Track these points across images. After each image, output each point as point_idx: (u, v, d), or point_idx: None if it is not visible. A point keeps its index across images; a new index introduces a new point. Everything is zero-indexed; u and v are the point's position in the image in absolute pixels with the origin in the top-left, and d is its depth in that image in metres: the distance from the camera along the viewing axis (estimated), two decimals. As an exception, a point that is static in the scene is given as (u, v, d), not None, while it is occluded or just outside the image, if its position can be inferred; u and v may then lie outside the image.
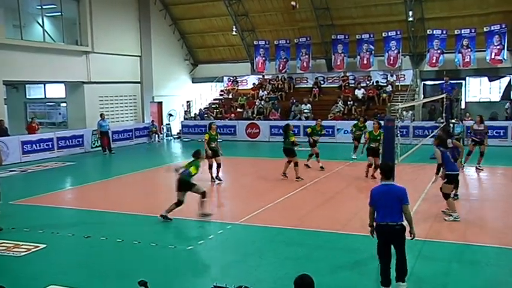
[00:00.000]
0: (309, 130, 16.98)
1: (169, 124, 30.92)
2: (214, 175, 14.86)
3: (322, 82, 29.92)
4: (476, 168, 15.96)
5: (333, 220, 10.44)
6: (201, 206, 10.59)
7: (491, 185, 14.69)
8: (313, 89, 29.10)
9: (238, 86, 32.31)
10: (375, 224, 6.62)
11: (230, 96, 31.55)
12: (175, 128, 30.92)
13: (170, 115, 31.09)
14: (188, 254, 8.55)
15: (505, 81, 28.11)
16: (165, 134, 30.20)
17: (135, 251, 8.76)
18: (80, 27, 25.27)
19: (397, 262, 6.58)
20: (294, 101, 27.99)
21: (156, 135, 28.56)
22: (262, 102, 28.99)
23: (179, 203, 10.46)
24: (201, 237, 9.38)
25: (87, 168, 19.99)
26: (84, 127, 24.49)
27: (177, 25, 32.97)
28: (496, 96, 29.10)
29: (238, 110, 29.50)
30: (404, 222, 6.51)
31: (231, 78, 32.57)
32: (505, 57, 25.73)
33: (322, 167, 16.30)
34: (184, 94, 33.13)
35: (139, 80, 29.44)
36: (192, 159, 10.85)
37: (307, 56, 29.99)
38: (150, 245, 8.94)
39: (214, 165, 14.84)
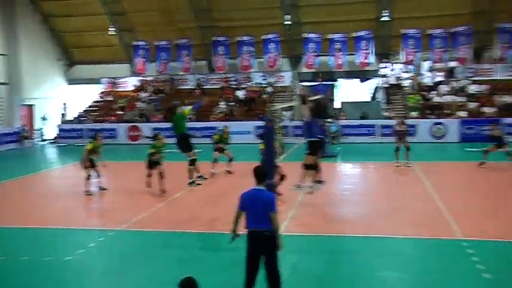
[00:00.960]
0: (216, 137, 16.52)
1: (42, 128, 28.90)
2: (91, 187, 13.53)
3: (204, 83, 29.98)
4: (406, 164, 16.26)
5: (215, 221, 10.46)
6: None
7: (363, 180, 15.75)
8: (196, 90, 29.05)
9: (117, 88, 31.17)
10: (245, 230, 6.15)
11: (110, 99, 30.33)
12: (51, 132, 28.98)
13: (43, 118, 29.07)
14: (66, 265, 8.01)
15: (373, 82, 30.44)
16: (38, 139, 28.16)
17: (2, 269, 7.99)
18: None
19: (268, 276, 6.07)
20: (176, 102, 27.55)
21: (27, 140, 26.51)
22: (144, 104, 28.28)
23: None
24: (81, 246, 8.84)
25: None
26: None
27: (49, 22, 30.94)
28: (366, 97, 31.42)
29: (119, 112, 28.46)
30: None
31: (110, 79, 31.32)
32: (372, 61, 27.90)
33: (229, 171, 16.11)
34: (59, 96, 31.18)
35: (5, 81, 27.10)
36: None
37: (188, 58, 29.89)
38: (20, 260, 8.21)
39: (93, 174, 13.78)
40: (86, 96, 32.00)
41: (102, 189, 13.84)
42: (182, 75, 30.50)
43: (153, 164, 13.09)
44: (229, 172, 16.11)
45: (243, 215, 6.17)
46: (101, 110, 29.33)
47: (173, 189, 13.38)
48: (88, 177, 13.46)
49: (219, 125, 25.30)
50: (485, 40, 27.31)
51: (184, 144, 13.00)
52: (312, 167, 10.83)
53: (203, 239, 9.36)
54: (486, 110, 23.70)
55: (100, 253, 8.73)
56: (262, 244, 6.02)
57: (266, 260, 6.05)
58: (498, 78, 26.72)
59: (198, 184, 13.09)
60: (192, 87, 29.73)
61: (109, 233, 9.69)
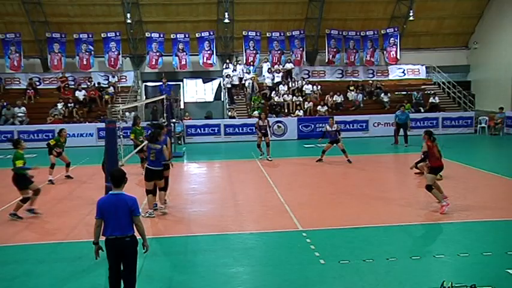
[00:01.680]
0: (51, 142, 15.13)
1: None
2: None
3: (37, 83, 27.69)
4: (348, 161, 16.61)
5: (55, 230, 9.71)
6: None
7: (209, 178, 15.95)
8: (28, 91, 26.66)
9: None
10: (103, 238, 5.89)
11: None
12: None
13: None
14: None
15: (216, 83, 31.08)
16: None
17: None
18: None
19: (125, 281, 5.93)
20: (5, 104, 25.10)
21: None
22: (-35, 105, 25.14)
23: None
24: None
25: None
26: None
27: None
28: (210, 97, 31.95)
29: None
30: (137, 234, 5.99)
31: None
32: (215, 62, 28.48)
33: (68, 176, 15.16)
34: None
35: None
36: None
37: (18, 54, 27.34)
38: None
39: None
40: None
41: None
42: (11, 73, 27.74)
43: None
44: (68, 177, 15.11)
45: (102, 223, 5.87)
46: None
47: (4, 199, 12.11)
48: None
49: (56, 127, 23.72)
50: (316, 44, 29.65)
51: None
52: (152, 192, 10.57)
53: (40, 251, 8.58)
54: (320, 108, 25.73)
55: None
56: (123, 251, 5.85)
57: (124, 266, 5.89)
58: (328, 79, 29.34)
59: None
60: (24, 87, 27.23)
61: None
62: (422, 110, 26.29)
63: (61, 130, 15.31)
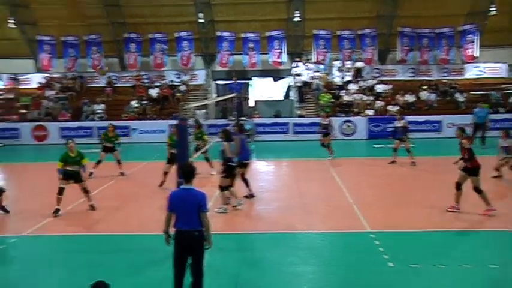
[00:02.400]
0: (102, 136, 15.90)
1: None
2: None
3: (115, 81, 29.01)
4: (412, 163, 16.06)
5: (128, 222, 10.16)
6: None
7: (277, 177, 16.02)
8: (106, 89, 28.03)
9: (20, 85, 29.26)
10: (172, 230, 6.10)
11: (11, 96, 28.36)
12: None
13: None
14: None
15: (286, 81, 31.14)
16: None
17: None
18: None
19: (193, 275, 6.07)
20: (86, 101, 26.54)
21: None
22: (50, 102, 26.81)
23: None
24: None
25: None
26: None
27: None
28: (280, 95, 32.07)
29: (22, 111, 26.71)
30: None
31: (11, 76, 29.31)
32: (285, 60, 28.51)
33: (122, 173, 15.36)
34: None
35: None
36: None
37: (98, 54, 28.77)
38: None
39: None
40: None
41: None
42: (92, 72, 29.28)
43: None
44: (122, 174, 15.33)
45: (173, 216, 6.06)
46: (2, 108, 27.34)
47: (80, 192, 12.80)
48: None
49: (131, 124, 24.82)
50: (388, 42, 28.90)
51: None
52: (226, 188, 10.82)
53: (115, 242, 9.02)
54: (390, 108, 25.08)
55: (1, 262, 8.13)
56: (191, 245, 5.96)
57: (193, 260, 6.01)
58: (400, 78, 28.51)
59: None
60: (103, 85, 28.64)
61: (11, 239, 9.06)
62: (502, 111, 24.91)
63: (109, 125, 15.86)
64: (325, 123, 17.75)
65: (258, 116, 26.32)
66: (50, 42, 28.84)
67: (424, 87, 26.94)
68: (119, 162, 15.41)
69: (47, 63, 28.97)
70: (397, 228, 9.34)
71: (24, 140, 24.81)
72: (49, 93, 27.57)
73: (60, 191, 10.75)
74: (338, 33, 28.29)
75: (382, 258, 7.74)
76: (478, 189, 9.99)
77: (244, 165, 11.52)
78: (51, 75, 29.02)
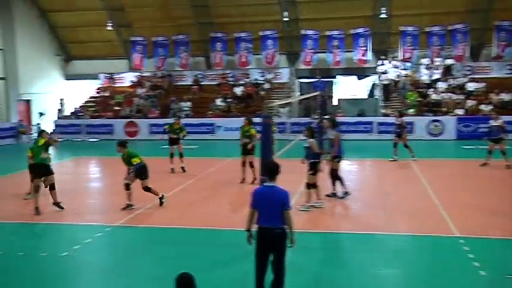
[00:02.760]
0: (166, 127, 16.18)
1: (39, 124, 28.81)
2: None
3: (201, 80, 29.93)
4: (507, 166, 15.32)
5: (212, 217, 10.47)
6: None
7: (360, 176, 15.77)
8: (193, 87, 29.02)
9: (115, 84, 31.12)
10: (255, 227, 6.10)
11: (107, 94, 30.25)
12: (48, 128, 28.89)
13: (41, 114, 29.00)
14: (62, 261, 7.99)
15: (370, 79, 30.43)
16: (35, 135, 28.08)
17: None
18: None
19: (275, 273, 6.06)
20: (174, 98, 27.65)
21: (25, 136, 26.45)
22: (141, 100, 28.24)
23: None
24: (77, 242, 8.82)
25: None
26: None
27: (46, 17, 30.83)
28: (364, 94, 31.41)
29: (116, 108, 28.40)
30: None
31: (108, 75, 31.25)
32: (370, 58, 27.89)
33: (183, 168, 15.56)
34: (57, 91, 31.11)
35: (2, 76, 27.01)
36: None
37: (186, 54, 29.85)
38: (16, 255, 8.21)
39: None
40: (83, 91, 31.93)
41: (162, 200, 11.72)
42: (180, 71, 30.43)
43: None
44: (183, 169, 15.51)
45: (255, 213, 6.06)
46: (98, 106, 29.25)
47: (167, 186, 13.39)
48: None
49: (216, 121, 25.50)
50: (482, 38, 27.33)
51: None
52: (313, 186, 10.79)
53: (202, 235, 9.34)
54: (483, 107, 23.73)
55: (96, 249, 8.72)
56: (273, 242, 5.95)
57: (275, 258, 6.00)
58: (495, 76, 26.79)
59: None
60: (190, 84, 29.68)
61: (106, 228, 9.68)
62: None
63: (175, 119, 16.37)
64: (398, 123, 17.16)
65: (341, 114, 25.97)
66: (142, 42, 30.37)
67: (523, 85, 25.15)
68: (181, 155, 15.61)
69: (138, 63, 30.54)
70: (489, 235, 8.82)
71: (118, 136, 26.28)
72: (140, 91, 29.05)
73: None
74: (427, 29, 27.19)
75: (472, 265, 7.35)
76: None
77: (339, 159, 11.56)
78: (142, 74, 30.56)
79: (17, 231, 9.55)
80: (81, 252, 8.42)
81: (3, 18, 26.94)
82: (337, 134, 11.50)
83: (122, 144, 11.29)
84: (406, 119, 21.00)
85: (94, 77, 31.62)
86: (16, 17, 27.77)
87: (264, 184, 6.21)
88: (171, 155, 15.61)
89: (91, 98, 30.91)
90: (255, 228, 6.07)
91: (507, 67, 26.83)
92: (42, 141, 11.26)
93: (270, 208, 5.92)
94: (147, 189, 11.10)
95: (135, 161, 10.98)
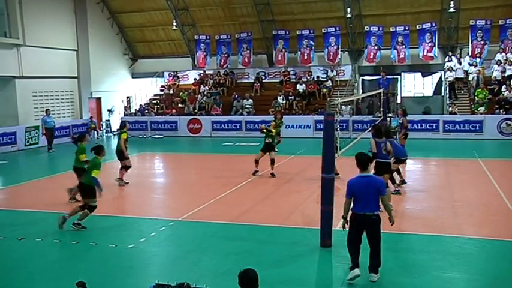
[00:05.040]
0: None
1: (108, 120, 30.09)
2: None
3: (263, 77, 30.08)
4: None
5: (274, 214, 10.52)
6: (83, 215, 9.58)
7: (425, 176, 15.29)
8: (255, 84, 29.23)
9: (179, 82, 31.92)
10: (350, 214, 6.76)
11: (171, 92, 31.10)
12: (115, 124, 30.13)
13: (110, 111, 30.27)
14: (130, 252, 8.34)
15: (436, 76, 29.41)
16: (104, 131, 29.38)
17: (74, 251, 8.47)
18: (9, 18, 23.98)
19: (372, 253, 6.76)
20: (236, 96, 27.97)
21: (95, 132, 27.72)
22: (204, 97, 28.80)
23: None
24: (143, 235, 9.17)
25: (20, 167, 19.10)
26: (17, 124, 23.38)
27: (115, 18, 32.08)
28: (429, 91, 30.41)
29: (180, 105, 29.13)
30: (380, 213, 6.75)
31: (172, 73, 32.12)
32: (436, 54, 26.93)
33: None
34: (124, 89, 32.34)
35: (76, 75, 28.44)
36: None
37: (248, 51, 30.07)
38: (89, 245, 8.66)
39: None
40: (149, 89, 33.00)
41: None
42: (242, 68, 30.75)
43: None
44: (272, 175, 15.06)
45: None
46: (163, 103, 30.11)
47: (230, 183, 13.58)
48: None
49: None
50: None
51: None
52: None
53: (262, 232, 9.42)
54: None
55: (161, 242, 9.00)
56: (369, 226, 6.66)
57: (370, 239, 6.74)
58: None
59: None
60: (252, 81, 29.93)
61: (170, 223, 9.98)
62: None
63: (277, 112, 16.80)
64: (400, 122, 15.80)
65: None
66: (205, 41, 30.94)
67: None
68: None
69: (202, 61, 31.13)
70: None
71: (181, 133, 27.03)
72: (203, 88, 29.62)
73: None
74: (500, 22, 25.84)
75: (545, 272, 6.98)
76: None
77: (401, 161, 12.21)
78: (205, 72, 31.15)
79: (89, 223, 9.93)
80: (147, 244, 8.73)
81: (79, 21, 28.32)
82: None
83: (97, 150, 10.10)
84: (475, 117, 20.13)
85: (159, 75, 32.61)
86: (89, 19, 29.10)
87: (359, 175, 6.81)
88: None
89: (156, 95, 31.87)
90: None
91: None
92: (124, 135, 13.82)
93: (368, 195, 6.61)
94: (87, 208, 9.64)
95: (95, 173, 9.58)
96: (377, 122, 18.91)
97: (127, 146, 14.15)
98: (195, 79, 31.20)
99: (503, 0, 25.71)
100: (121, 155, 13.82)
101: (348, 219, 6.82)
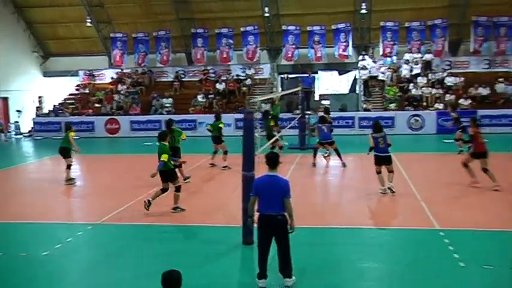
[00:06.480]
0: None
1: (17, 122, 28.38)
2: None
3: (182, 76, 29.78)
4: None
5: (196, 213, 10.43)
6: (174, 200, 10.41)
7: (343, 171, 15.82)
8: (174, 83, 28.84)
9: (95, 81, 30.79)
10: (256, 214, 6.46)
11: (87, 91, 29.91)
12: (26, 126, 28.47)
13: (18, 111, 28.55)
14: (44, 260, 7.88)
15: (352, 75, 30.63)
16: (13, 133, 27.66)
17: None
18: None
19: (281, 257, 6.42)
20: (155, 95, 27.44)
21: (3, 134, 26.01)
22: (122, 97, 27.97)
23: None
24: (58, 241, 8.71)
25: None
26: None
27: (21, 13, 30.28)
28: (345, 89, 31.60)
29: (96, 105, 28.10)
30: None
31: (87, 72, 30.88)
32: (351, 53, 28.05)
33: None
34: (35, 89, 30.65)
35: (-22, 73, 26.57)
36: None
37: (167, 50, 29.63)
38: (-3, 255, 8.09)
39: None
40: (62, 88, 31.51)
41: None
42: (161, 67, 30.22)
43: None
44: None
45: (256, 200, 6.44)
46: (78, 103, 28.89)
47: (151, 183, 13.29)
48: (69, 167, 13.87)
49: (198, 117, 25.38)
50: (460, 33, 27.70)
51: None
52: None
53: (184, 232, 9.31)
54: (462, 102, 24.06)
55: (78, 248, 8.63)
56: (275, 227, 6.30)
57: (278, 242, 6.37)
58: (473, 70, 27.16)
59: None
60: (171, 80, 29.50)
61: (88, 227, 9.59)
62: None
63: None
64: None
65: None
66: (122, 39, 30.07)
67: (501, 79, 25.53)
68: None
69: (119, 59, 30.24)
70: (468, 227, 8.97)
71: (98, 133, 26.07)
72: (121, 88, 28.77)
73: None
74: (407, 24, 27.42)
75: (452, 257, 7.47)
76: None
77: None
78: (122, 71, 30.28)
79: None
80: (63, 251, 8.31)
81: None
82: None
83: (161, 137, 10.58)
84: (387, 113, 21.29)
85: (74, 73, 31.22)
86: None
87: (266, 173, 6.49)
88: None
89: (71, 95, 30.50)
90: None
91: (484, 62, 27.22)
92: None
93: (271, 196, 6.26)
94: None
95: (164, 157, 10.17)
96: (296, 119, 19.41)
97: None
98: (112, 78, 30.21)
99: (410, 4, 27.34)
100: (67, 152, 13.87)
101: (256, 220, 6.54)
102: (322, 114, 16.94)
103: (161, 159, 10.05)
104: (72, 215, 10.89)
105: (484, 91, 24.74)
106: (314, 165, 15.44)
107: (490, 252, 7.68)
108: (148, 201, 10.30)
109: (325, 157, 16.35)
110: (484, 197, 11.15)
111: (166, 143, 10.44)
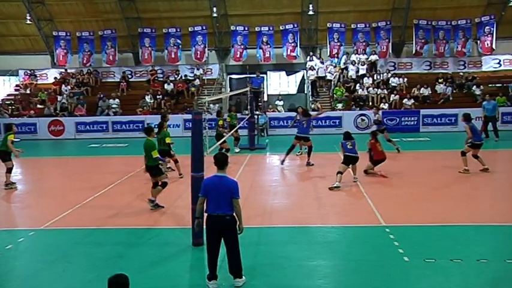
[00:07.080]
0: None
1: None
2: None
3: (130, 76, 29.21)
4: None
5: (144, 216, 10.24)
6: (155, 192, 10.49)
7: (291, 171, 15.99)
8: (121, 83, 28.23)
9: (37, 81, 29.65)
10: (205, 215, 6.46)
11: (28, 92, 28.74)
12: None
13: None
14: (-19, 269, 7.51)
15: (300, 75, 31.02)
16: None
17: None
18: None
19: (230, 257, 6.46)
20: (101, 95, 26.74)
21: None
22: (66, 97, 27.08)
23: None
24: (-4, 249, 8.32)
25: None
26: None
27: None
28: (293, 89, 31.95)
29: (39, 106, 27.04)
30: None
31: (28, 71, 29.68)
32: (298, 54, 28.41)
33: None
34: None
35: None
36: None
37: (113, 49, 28.96)
38: None
39: None
40: (1, 88, 30.15)
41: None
42: (107, 67, 29.50)
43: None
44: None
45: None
46: (18, 104, 27.69)
47: (97, 186, 12.96)
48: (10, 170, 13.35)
49: (146, 118, 24.94)
50: (403, 35, 28.65)
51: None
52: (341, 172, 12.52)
53: (132, 235, 9.11)
54: (406, 102, 24.88)
55: (19, 254, 8.26)
56: (224, 228, 6.32)
57: (227, 243, 6.40)
58: (415, 71, 28.21)
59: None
60: (118, 80, 28.84)
61: (29, 232, 9.21)
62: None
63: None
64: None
65: (272, 110, 26.31)
66: (65, 37, 29.11)
67: (440, 80, 26.66)
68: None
69: (62, 59, 29.27)
70: (412, 222, 9.28)
71: (41, 135, 25.11)
72: (65, 88, 27.83)
73: None
74: (352, 26, 28.09)
75: (397, 252, 7.71)
76: None
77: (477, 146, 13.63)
78: (66, 71, 29.31)
79: None
80: (2, 259, 7.94)
81: None
82: (467, 127, 13.71)
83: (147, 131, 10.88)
84: (335, 113, 21.73)
85: (13, 73, 29.95)
86: None
87: (215, 174, 6.48)
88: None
89: (10, 95, 29.22)
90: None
91: (425, 63, 28.37)
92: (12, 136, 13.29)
93: (220, 196, 6.27)
94: None
95: (155, 153, 10.49)
96: (245, 120, 19.45)
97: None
98: (55, 78, 29.16)
99: (354, 6, 28.03)
100: (6, 155, 13.43)
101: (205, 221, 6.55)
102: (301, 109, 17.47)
103: (154, 156, 10.32)
104: (13, 221, 10.43)
105: (425, 91, 25.70)
106: (282, 163, 15.56)
107: (433, 246, 7.97)
108: (151, 200, 10.50)
109: (297, 155, 17.08)
110: (430, 194, 11.56)
111: (152, 138, 10.61)
